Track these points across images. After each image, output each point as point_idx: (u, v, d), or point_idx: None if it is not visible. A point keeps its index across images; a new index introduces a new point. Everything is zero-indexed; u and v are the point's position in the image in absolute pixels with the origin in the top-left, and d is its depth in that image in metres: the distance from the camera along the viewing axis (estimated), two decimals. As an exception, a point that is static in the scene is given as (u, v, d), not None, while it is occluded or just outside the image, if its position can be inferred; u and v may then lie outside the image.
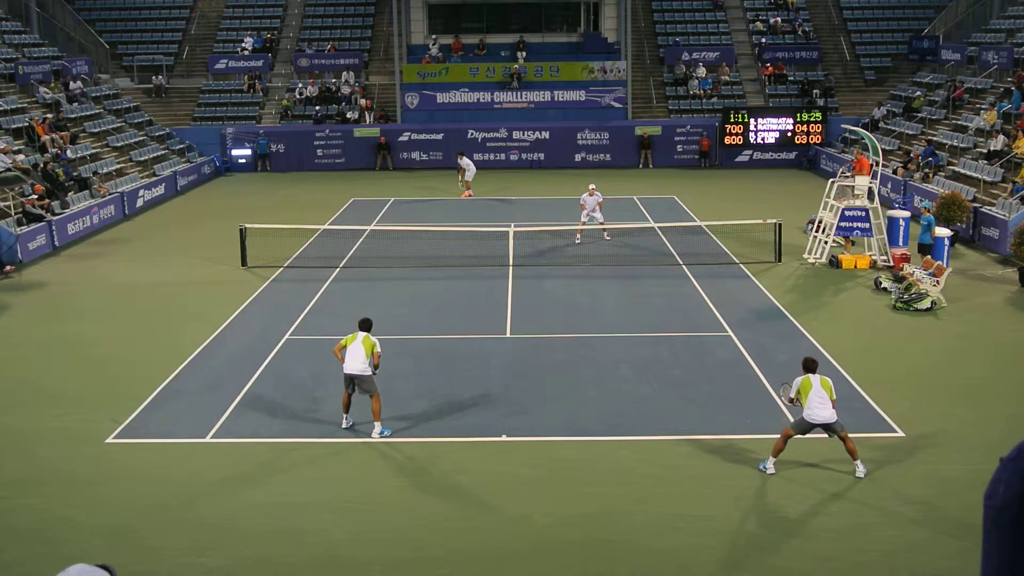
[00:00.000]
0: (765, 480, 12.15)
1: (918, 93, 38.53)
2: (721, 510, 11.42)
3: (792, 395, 12.39)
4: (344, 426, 13.80)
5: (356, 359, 13.38)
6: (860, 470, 12.27)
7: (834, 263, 23.23)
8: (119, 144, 36.18)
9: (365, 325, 13.84)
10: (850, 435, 12.24)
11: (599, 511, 11.45)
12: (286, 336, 18.26)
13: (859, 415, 14.12)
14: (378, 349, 13.47)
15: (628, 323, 18.99)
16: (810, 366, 12.56)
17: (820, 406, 12.07)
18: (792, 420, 12.92)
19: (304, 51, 44.84)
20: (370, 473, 12.56)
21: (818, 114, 40.15)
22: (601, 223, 25.93)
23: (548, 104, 41.86)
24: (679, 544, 10.72)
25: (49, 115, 33.69)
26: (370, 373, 13.44)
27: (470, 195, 33.34)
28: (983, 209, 25.80)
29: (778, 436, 12.51)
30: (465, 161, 33.71)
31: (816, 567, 10.27)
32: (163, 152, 38.19)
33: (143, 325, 19.32)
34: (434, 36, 44.52)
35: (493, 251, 24.74)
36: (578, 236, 26.22)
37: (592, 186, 26.13)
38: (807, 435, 12.37)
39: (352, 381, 13.51)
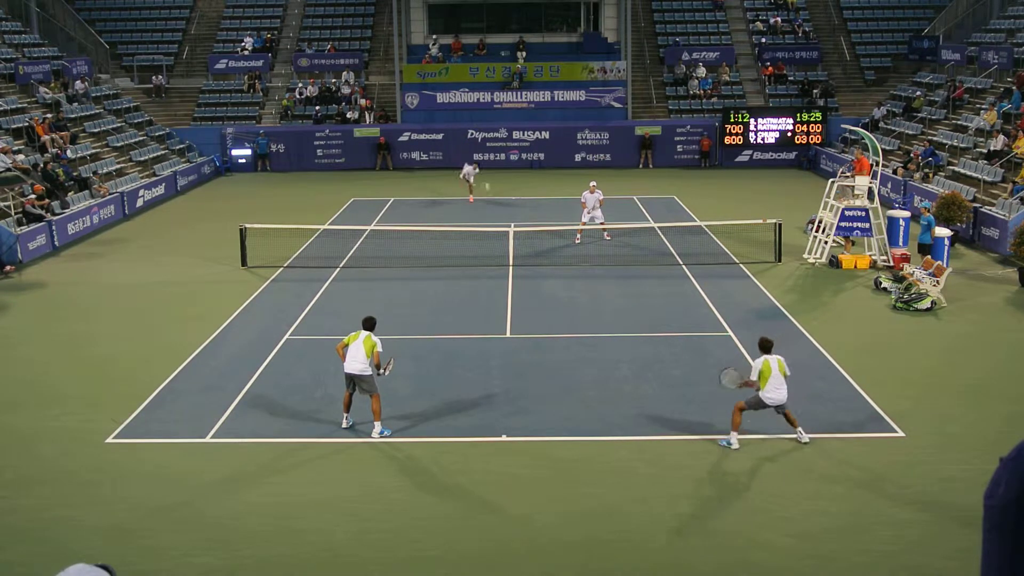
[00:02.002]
0: (765, 480, 12.15)
1: (918, 93, 38.53)
2: (720, 510, 11.42)
3: (753, 378, 12.76)
4: (344, 426, 13.80)
5: (356, 359, 13.39)
6: (803, 436, 12.97)
7: (834, 263, 23.22)
8: (119, 144, 36.19)
9: (368, 324, 13.81)
10: (850, 435, 12.24)
11: (599, 511, 11.45)
12: (286, 336, 18.26)
13: (859, 415, 14.13)
14: (379, 348, 13.45)
15: (628, 323, 18.98)
16: (767, 346, 12.94)
17: (778, 389, 12.72)
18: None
19: (304, 51, 44.83)
20: (370, 473, 12.56)
21: (818, 114, 40.15)
22: (601, 223, 25.91)
23: (548, 104, 41.86)
24: (678, 544, 10.71)
25: (49, 115, 33.70)
26: (370, 373, 13.43)
27: (472, 200, 33.20)
28: (983, 209, 25.80)
29: (743, 431, 12.59)
30: (467, 169, 33.22)
31: (816, 567, 10.26)
32: (163, 152, 38.19)
33: (143, 325, 19.32)
34: (434, 36, 44.52)
35: (493, 251, 24.73)
36: (578, 236, 26.21)
37: (593, 183, 26.10)
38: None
39: (352, 380, 13.52)
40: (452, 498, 11.86)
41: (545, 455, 13.01)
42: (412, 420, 14.15)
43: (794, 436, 13.15)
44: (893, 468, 12.45)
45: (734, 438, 12.94)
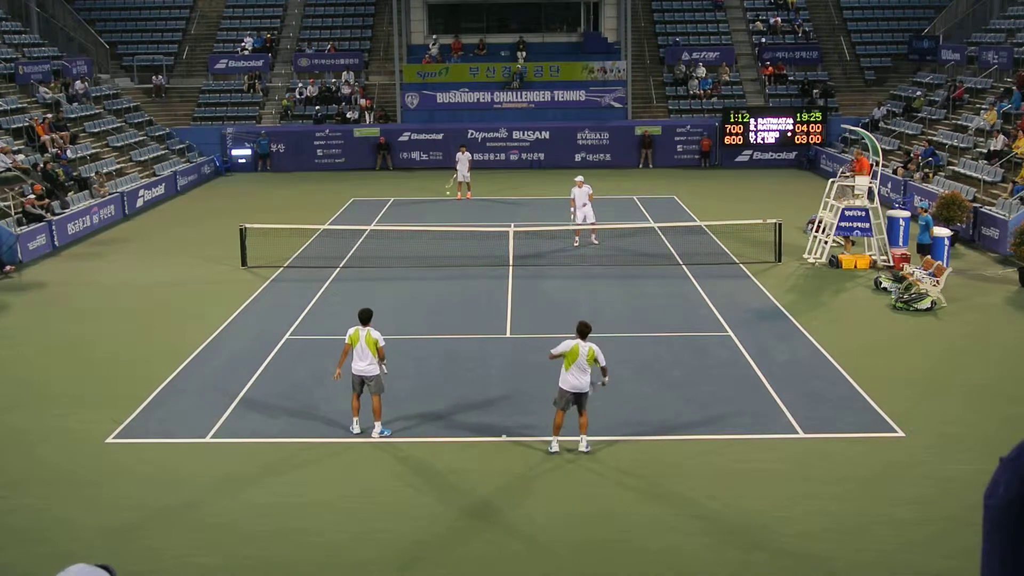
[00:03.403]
0: (765, 480, 12.14)
1: (918, 93, 38.52)
2: (720, 510, 11.42)
3: (556, 353, 12.76)
4: (355, 431, 13.58)
5: (364, 358, 13.33)
6: (584, 445, 12.83)
7: (834, 263, 23.22)
8: (119, 144, 36.18)
9: (364, 317, 13.64)
10: (850, 435, 12.24)
11: (599, 511, 11.45)
12: (286, 336, 18.26)
13: (859, 415, 14.12)
14: (381, 343, 13.39)
15: (628, 323, 18.98)
16: (584, 330, 12.85)
17: (576, 376, 12.65)
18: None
19: (304, 51, 44.83)
20: (370, 473, 12.56)
21: (818, 114, 40.14)
22: (592, 223, 25.69)
23: (548, 104, 41.84)
24: (678, 544, 10.72)
25: (49, 115, 33.69)
26: (378, 372, 13.39)
27: (470, 196, 33.24)
28: (983, 209, 25.79)
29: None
30: (463, 158, 33.17)
31: (816, 567, 10.26)
32: (163, 152, 38.18)
33: (143, 325, 19.32)
34: (434, 36, 44.51)
35: (493, 251, 24.73)
36: (577, 238, 26.17)
37: (579, 178, 25.96)
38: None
39: (362, 382, 13.48)
40: (452, 498, 11.86)
41: (545, 455, 13.00)
42: (412, 420, 14.15)
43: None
44: (893, 468, 12.45)
45: (555, 442, 12.90)
